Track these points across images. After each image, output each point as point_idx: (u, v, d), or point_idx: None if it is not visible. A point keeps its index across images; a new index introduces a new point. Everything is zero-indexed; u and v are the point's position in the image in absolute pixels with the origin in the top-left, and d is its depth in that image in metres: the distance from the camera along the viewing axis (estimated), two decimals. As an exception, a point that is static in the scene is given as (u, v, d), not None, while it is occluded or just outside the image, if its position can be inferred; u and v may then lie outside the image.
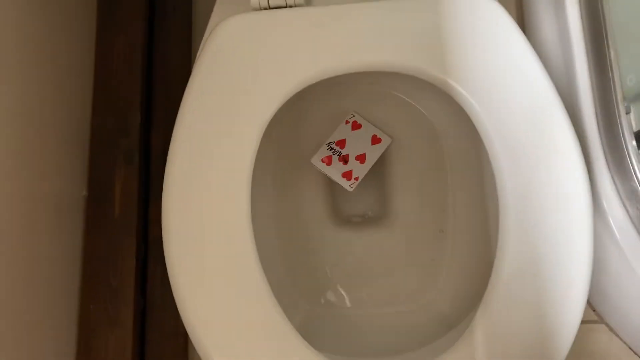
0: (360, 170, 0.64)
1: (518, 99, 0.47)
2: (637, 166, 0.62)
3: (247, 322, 0.46)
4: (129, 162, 0.69)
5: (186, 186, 0.48)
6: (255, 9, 0.52)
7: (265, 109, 0.49)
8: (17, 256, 0.56)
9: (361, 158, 0.65)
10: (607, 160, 0.66)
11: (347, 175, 0.64)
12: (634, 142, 0.63)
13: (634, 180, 0.63)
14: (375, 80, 0.65)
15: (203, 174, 0.48)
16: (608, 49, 0.66)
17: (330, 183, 0.68)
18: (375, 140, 0.65)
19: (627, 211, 0.64)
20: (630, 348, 0.77)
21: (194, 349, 0.76)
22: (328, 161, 0.65)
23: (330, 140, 0.66)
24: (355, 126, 0.66)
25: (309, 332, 0.49)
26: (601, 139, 0.66)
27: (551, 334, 0.44)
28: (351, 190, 0.64)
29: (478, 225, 0.59)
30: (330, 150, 0.65)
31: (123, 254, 0.67)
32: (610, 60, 0.66)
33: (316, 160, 0.65)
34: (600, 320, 0.79)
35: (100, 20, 0.75)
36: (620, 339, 0.78)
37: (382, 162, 0.68)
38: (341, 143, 0.65)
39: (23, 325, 0.56)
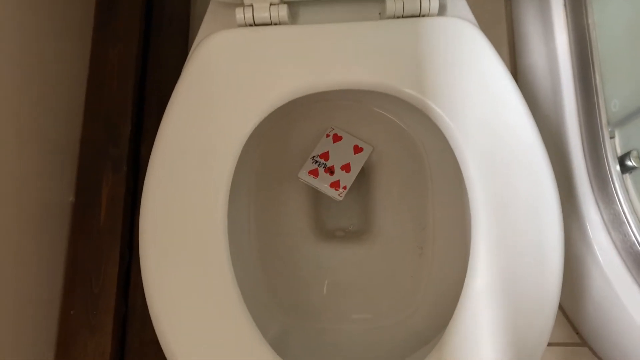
0: (347, 179, 0.66)
1: (492, 120, 0.48)
2: (620, 190, 0.62)
3: (218, 334, 0.46)
4: (117, 170, 0.70)
5: (164, 197, 0.49)
6: (241, 26, 0.54)
7: (245, 123, 0.49)
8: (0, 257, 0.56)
9: (346, 167, 0.66)
10: (591, 184, 0.66)
11: (335, 185, 0.66)
12: (618, 167, 0.63)
13: (617, 204, 0.63)
14: (357, 98, 0.66)
15: (181, 186, 0.49)
16: (594, 74, 0.68)
17: (314, 197, 0.69)
18: (357, 149, 0.67)
19: (611, 236, 0.64)
20: (613, 372, 0.77)
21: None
22: (315, 174, 0.66)
23: (314, 153, 0.67)
24: (336, 138, 0.67)
25: (284, 344, 0.50)
26: (586, 162, 0.67)
27: (519, 351, 0.44)
28: (340, 199, 0.65)
29: (457, 243, 0.59)
30: (315, 163, 0.66)
31: (106, 261, 0.67)
32: (595, 85, 0.67)
33: (303, 174, 0.66)
34: (584, 343, 0.79)
35: (96, 30, 0.77)
36: (603, 363, 0.78)
37: (365, 178, 0.68)
38: (325, 155, 0.67)
39: (1, 328, 0.56)
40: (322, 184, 0.65)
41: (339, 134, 0.68)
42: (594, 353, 0.79)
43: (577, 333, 0.80)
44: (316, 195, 0.69)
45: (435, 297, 0.60)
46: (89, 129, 0.72)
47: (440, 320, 0.55)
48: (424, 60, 0.49)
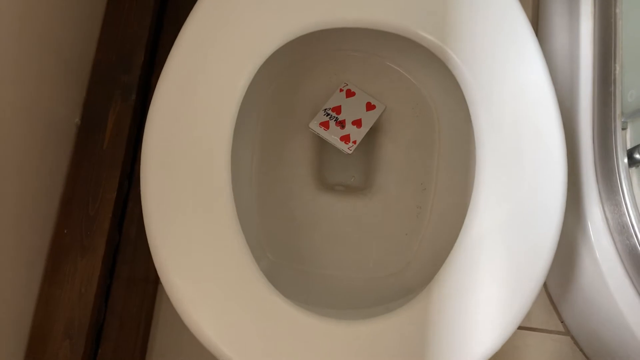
0: (357, 134, 0.65)
1: (511, 74, 0.47)
2: (625, 182, 0.62)
3: (213, 255, 0.46)
4: (125, 98, 0.70)
5: (169, 120, 0.48)
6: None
7: (257, 55, 0.49)
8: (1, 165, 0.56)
9: (357, 123, 0.66)
10: (596, 173, 0.66)
11: (345, 138, 0.65)
12: (625, 159, 0.63)
13: (620, 195, 0.63)
14: (372, 49, 0.65)
15: (188, 110, 0.49)
16: (614, 63, 0.67)
17: (319, 149, 0.68)
18: (370, 106, 0.66)
19: (609, 226, 0.64)
20: (591, 365, 0.77)
21: (162, 296, 0.76)
22: (326, 126, 0.66)
23: (326, 106, 0.66)
24: (349, 94, 0.67)
25: (270, 278, 0.49)
26: (594, 151, 0.67)
27: (511, 295, 0.44)
28: (350, 152, 0.65)
29: (455, 207, 0.59)
30: (327, 115, 0.66)
31: (105, 185, 0.67)
32: (614, 74, 0.66)
33: (314, 125, 0.66)
34: (567, 332, 0.79)
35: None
36: (584, 354, 0.78)
37: (372, 135, 0.68)
38: (337, 109, 0.66)
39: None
40: (332, 136, 0.65)
41: (352, 90, 0.68)
42: (576, 343, 0.79)
43: (562, 322, 0.80)
44: (321, 148, 0.68)
45: (427, 256, 0.60)
46: (102, 53, 0.71)
47: (430, 279, 0.55)
48: (448, 7, 0.48)
